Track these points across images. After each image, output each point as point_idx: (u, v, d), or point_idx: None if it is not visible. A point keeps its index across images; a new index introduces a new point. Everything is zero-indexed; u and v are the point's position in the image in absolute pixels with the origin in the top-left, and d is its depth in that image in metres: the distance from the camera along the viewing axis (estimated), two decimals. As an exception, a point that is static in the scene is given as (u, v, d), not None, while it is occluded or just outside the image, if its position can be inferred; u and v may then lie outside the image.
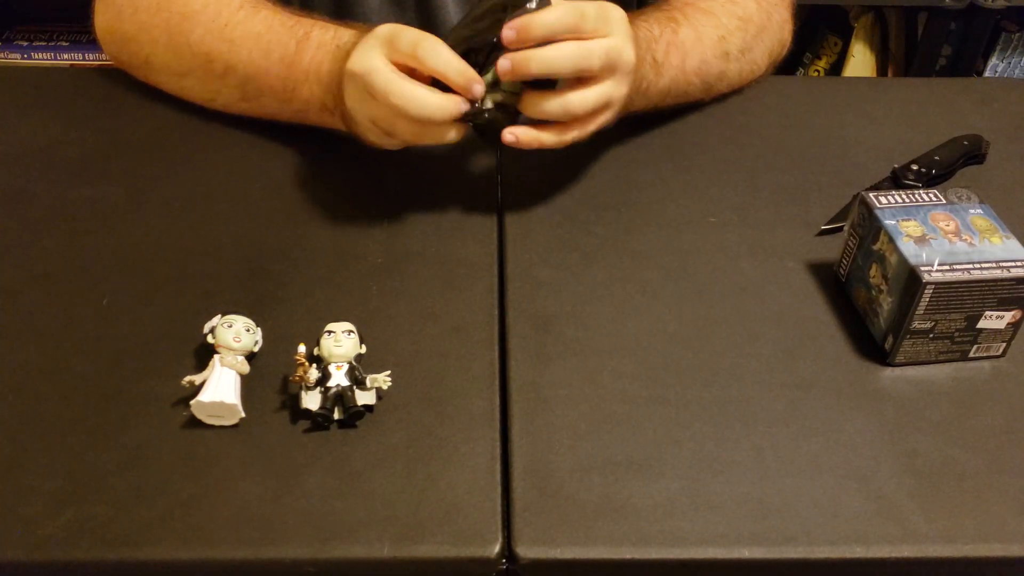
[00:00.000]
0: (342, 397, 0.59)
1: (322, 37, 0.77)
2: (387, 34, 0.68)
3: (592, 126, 0.71)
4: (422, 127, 0.68)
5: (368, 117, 0.71)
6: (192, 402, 0.58)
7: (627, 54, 0.69)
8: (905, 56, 1.69)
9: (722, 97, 0.91)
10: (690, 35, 0.82)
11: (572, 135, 0.71)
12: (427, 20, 0.90)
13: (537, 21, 0.65)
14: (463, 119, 0.68)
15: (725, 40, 0.85)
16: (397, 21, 0.85)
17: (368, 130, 0.73)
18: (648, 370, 0.64)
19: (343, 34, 0.76)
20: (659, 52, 0.79)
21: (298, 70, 0.77)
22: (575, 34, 0.66)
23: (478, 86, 0.67)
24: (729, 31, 0.85)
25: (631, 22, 0.73)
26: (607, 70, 0.68)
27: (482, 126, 0.71)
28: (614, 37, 0.68)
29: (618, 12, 0.69)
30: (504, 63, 0.65)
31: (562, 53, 0.66)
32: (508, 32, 0.65)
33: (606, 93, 0.69)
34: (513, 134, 0.69)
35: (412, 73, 0.68)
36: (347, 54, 0.71)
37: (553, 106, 0.68)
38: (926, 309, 0.62)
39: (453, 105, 0.67)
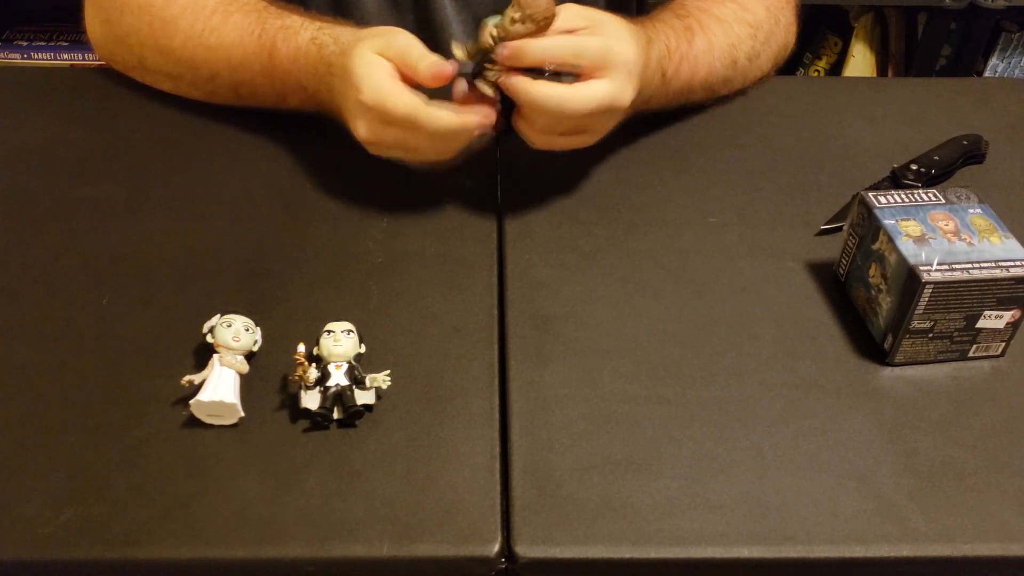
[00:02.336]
0: (341, 396, 0.59)
1: (290, 50, 0.76)
2: (381, 46, 0.69)
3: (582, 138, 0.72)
4: (446, 143, 0.70)
5: (387, 143, 0.71)
6: (191, 401, 0.58)
7: (626, 96, 0.70)
8: (905, 56, 1.69)
9: (723, 97, 0.91)
10: (703, 46, 0.82)
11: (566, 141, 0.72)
12: (425, 22, 0.90)
13: (531, 47, 0.66)
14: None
15: (735, 48, 0.85)
16: (395, 23, 0.85)
17: (378, 149, 0.73)
18: (648, 370, 0.64)
19: (310, 47, 0.76)
20: (670, 68, 0.79)
21: (279, 82, 0.78)
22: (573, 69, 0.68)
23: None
24: (740, 39, 0.85)
25: (648, 27, 0.73)
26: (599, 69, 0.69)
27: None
28: (611, 73, 0.68)
29: (619, 49, 0.69)
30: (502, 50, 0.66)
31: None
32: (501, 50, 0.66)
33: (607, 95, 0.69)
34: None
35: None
36: (327, 66, 0.72)
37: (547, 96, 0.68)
38: (925, 309, 0.62)
39: (479, 118, 0.68)
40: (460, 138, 0.70)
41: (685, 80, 0.81)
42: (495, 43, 0.66)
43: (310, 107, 0.79)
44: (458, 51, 0.69)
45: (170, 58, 0.83)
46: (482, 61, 0.68)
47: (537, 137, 0.72)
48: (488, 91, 0.68)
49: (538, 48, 0.66)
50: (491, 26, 0.67)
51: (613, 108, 0.69)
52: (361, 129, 0.71)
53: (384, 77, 0.68)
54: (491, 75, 0.68)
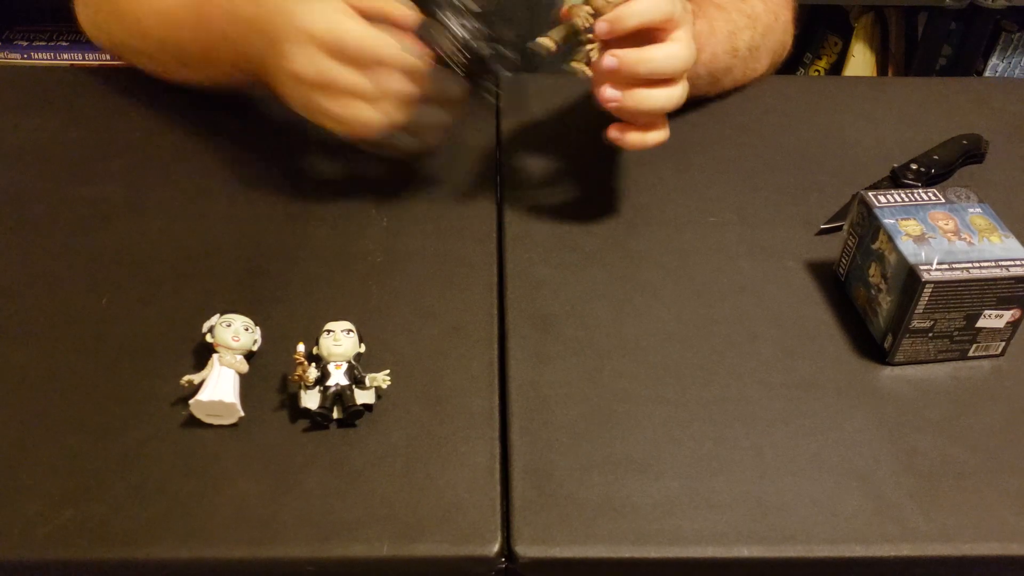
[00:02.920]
0: (341, 396, 0.59)
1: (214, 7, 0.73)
2: None
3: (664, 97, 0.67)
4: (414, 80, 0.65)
5: (335, 86, 0.65)
6: (191, 401, 0.58)
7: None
8: (905, 56, 1.69)
9: (722, 95, 0.91)
10: (704, 28, 0.82)
11: (657, 133, 0.69)
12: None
13: (630, 11, 0.63)
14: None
15: (735, 36, 0.85)
16: None
17: (318, 103, 0.66)
18: (648, 370, 0.64)
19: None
20: None
21: (204, 32, 0.75)
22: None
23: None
24: (739, 27, 0.85)
25: None
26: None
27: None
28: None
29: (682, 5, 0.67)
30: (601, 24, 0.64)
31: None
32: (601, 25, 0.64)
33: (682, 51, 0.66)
34: (620, 134, 0.67)
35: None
36: (255, 5, 0.68)
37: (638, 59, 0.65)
38: (925, 308, 0.62)
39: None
40: (433, 91, 0.65)
41: None
42: (592, 20, 0.65)
43: (237, 73, 0.74)
44: (547, 42, 0.66)
45: (131, 31, 0.83)
46: (572, 46, 0.66)
47: (640, 109, 0.67)
48: (588, 71, 0.66)
49: (636, 11, 0.64)
50: (582, 5, 0.65)
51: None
52: (299, 63, 0.63)
53: (333, 3, 0.63)
54: (586, 55, 0.65)
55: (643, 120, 0.68)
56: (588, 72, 0.66)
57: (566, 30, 0.66)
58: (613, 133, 0.67)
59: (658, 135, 0.69)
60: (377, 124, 0.67)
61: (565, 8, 0.66)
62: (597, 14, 0.65)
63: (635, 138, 0.68)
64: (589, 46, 0.65)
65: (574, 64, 0.66)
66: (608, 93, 0.65)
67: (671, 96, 0.66)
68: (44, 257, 0.71)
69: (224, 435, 0.59)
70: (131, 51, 0.86)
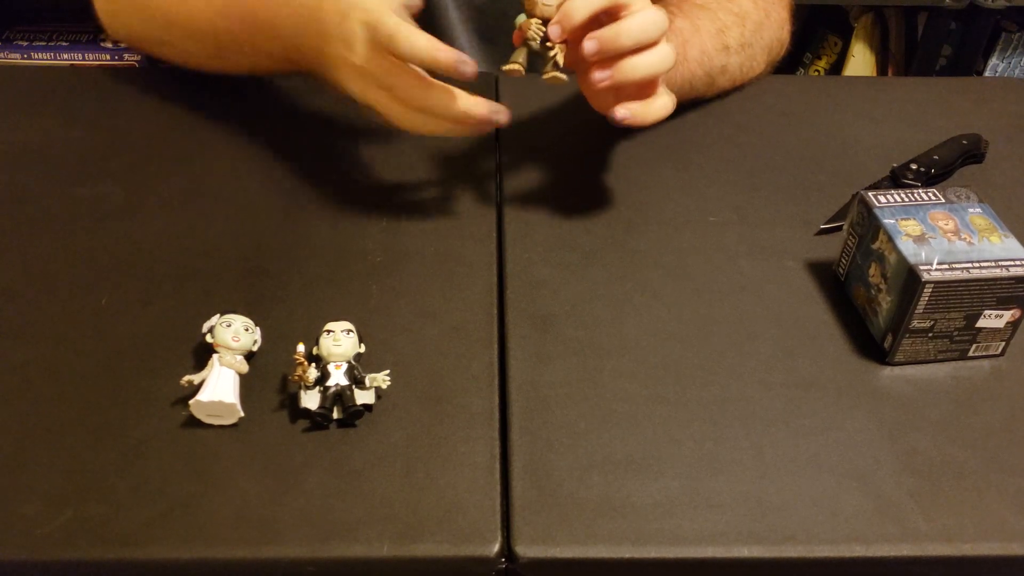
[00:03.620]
0: (341, 396, 0.59)
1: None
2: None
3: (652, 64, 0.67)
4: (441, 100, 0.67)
5: (385, 82, 0.67)
6: (191, 401, 0.58)
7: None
8: (905, 56, 1.69)
9: (721, 95, 0.91)
10: (686, 25, 0.82)
11: (660, 101, 0.69)
12: (427, 21, 0.90)
13: (575, 4, 0.64)
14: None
15: (723, 33, 0.85)
16: None
17: (374, 89, 0.69)
18: (648, 369, 0.64)
19: None
20: None
21: (256, 29, 0.75)
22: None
23: (464, 65, 0.64)
24: (726, 25, 0.85)
25: None
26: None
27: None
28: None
29: None
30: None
31: None
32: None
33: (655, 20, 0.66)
34: (627, 109, 0.67)
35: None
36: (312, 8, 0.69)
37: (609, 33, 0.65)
38: (925, 308, 0.62)
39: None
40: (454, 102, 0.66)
41: (679, 53, 0.79)
42: (543, 29, 0.65)
43: (286, 62, 0.76)
44: (514, 66, 0.67)
45: (155, 23, 0.83)
46: (539, 60, 0.67)
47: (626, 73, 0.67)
48: (563, 77, 0.67)
49: (581, 2, 0.64)
50: (528, 20, 0.66)
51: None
52: (359, 55, 0.66)
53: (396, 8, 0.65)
54: (553, 62, 0.66)
55: (642, 93, 0.68)
56: (563, 78, 0.67)
57: (526, 48, 0.67)
58: (620, 112, 0.67)
59: (661, 103, 0.69)
60: (431, 132, 0.69)
61: (517, 31, 0.67)
62: (547, 21, 0.65)
63: (640, 108, 0.68)
64: (551, 52, 0.66)
65: (547, 76, 0.67)
66: (598, 75, 0.65)
67: (660, 56, 0.67)
68: (44, 257, 0.71)
69: (224, 435, 0.59)
70: (156, 42, 0.86)
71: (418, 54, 0.64)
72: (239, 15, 0.77)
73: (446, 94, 0.66)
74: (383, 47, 0.66)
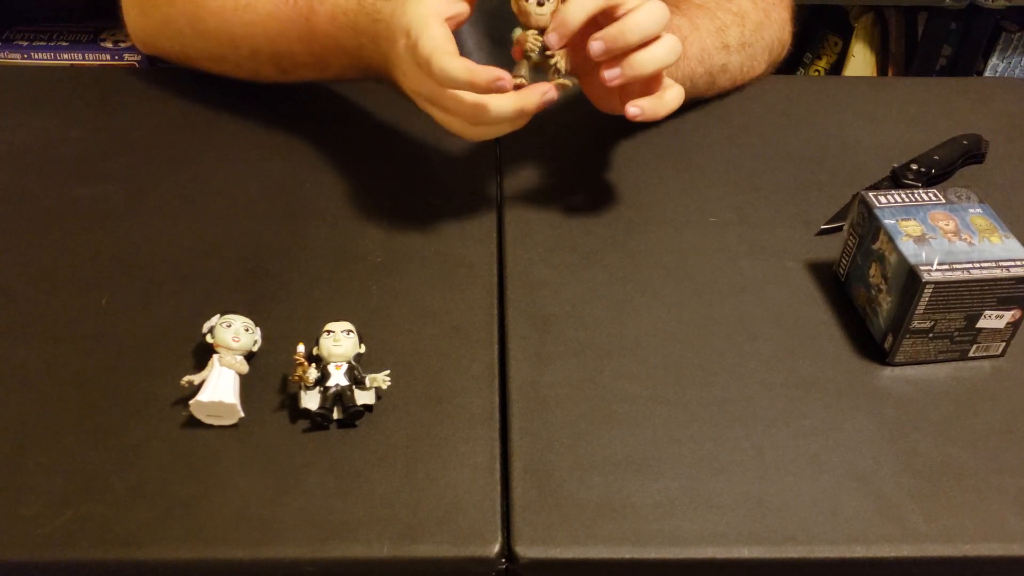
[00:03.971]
0: (341, 397, 0.59)
1: (328, 9, 0.75)
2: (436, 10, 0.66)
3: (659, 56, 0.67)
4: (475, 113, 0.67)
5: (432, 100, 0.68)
6: (191, 402, 0.58)
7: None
8: (905, 56, 1.69)
9: (722, 95, 0.91)
10: (685, 24, 0.82)
11: (670, 93, 0.69)
12: None
13: (571, 8, 0.64)
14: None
15: (723, 32, 0.85)
16: None
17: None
18: (648, 370, 0.64)
19: (349, 2, 0.74)
20: None
21: (319, 46, 0.77)
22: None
23: (502, 81, 0.64)
24: (725, 24, 0.85)
25: None
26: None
27: None
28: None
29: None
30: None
31: None
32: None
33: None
34: (638, 106, 0.67)
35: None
36: (372, 19, 0.71)
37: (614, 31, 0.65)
38: (926, 308, 0.62)
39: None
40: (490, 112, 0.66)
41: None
42: (541, 39, 0.66)
43: (353, 73, 0.78)
44: (519, 80, 0.66)
45: (209, 41, 0.83)
46: (541, 70, 0.67)
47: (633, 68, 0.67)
48: (568, 83, 0.67)
49: (576, 8, 0.64)
50: (524, 32, 0.66)
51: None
52: (410, 79, 0.68)
53: (440, 28, 0.65)
54: (555, 69, 0.66)
55: (648, 89, 0.68)
56: (570, 83, 0.67)
57: (528, 61, 0.67)
58: (632, 110, 0.67)
59: (671, 95, 0.69)
60: (496, 135, 0.70)
61: (515, 46, 0.67)
62: (543, 31, 0.66)
63: (651, 104, 0.68)
64: (552, 60, 0.66)
65: (557, 82, 0.67)
66: (608, 74, 0.66)
67: (667, 47, 0.67)
68: (44, 257, 0.71)
69: (224, 435, 0.59)
70: (211, 59, 0.85)
71: (454, 81, 0.65)
72: (307, 35, 0.78)
73: (497, 104, 0.66)
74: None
